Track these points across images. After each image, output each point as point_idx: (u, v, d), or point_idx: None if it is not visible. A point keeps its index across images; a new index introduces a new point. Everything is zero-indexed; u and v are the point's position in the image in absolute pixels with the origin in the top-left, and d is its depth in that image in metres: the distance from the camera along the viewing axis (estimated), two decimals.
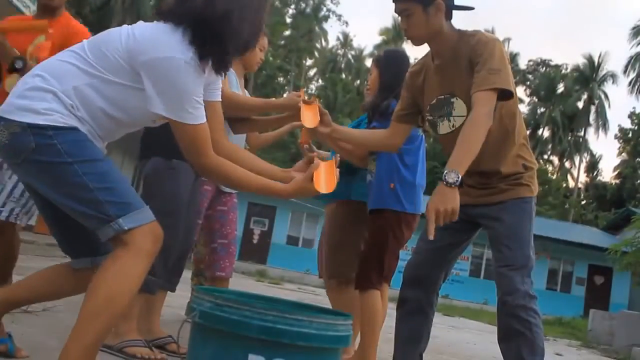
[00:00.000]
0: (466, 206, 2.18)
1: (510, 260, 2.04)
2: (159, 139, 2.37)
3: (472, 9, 2.15)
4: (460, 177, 1.82)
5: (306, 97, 2.34)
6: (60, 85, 1.62)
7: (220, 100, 1.93)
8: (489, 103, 1.95)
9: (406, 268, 2.27)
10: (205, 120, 1.72)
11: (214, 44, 1.66)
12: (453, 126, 2.14)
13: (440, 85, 2.13)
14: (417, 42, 2.12)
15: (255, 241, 19.57)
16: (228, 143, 1.96)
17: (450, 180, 1.81)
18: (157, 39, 1.64)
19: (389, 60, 2.90)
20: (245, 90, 3.00)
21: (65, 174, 1.59)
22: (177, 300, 4.05)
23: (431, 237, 1.80)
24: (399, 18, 2.11)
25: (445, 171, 1.83)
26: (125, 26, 1.73)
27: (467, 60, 2.03)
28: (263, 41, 2.88)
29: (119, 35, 1.67)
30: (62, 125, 1.59)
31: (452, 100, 2.11)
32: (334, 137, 2.29)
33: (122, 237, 1.59)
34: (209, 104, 1.84)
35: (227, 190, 2.83)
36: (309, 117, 2.19)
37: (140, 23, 1.73)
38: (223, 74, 1.79)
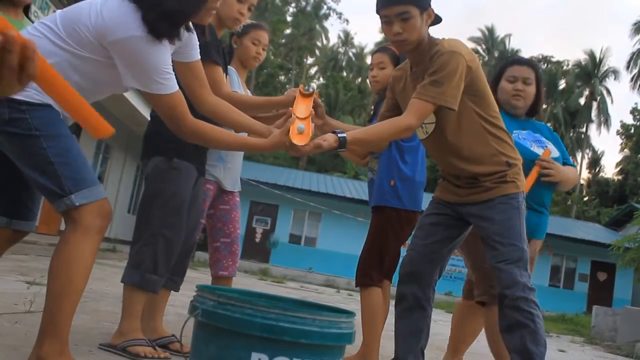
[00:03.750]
0: (455, 204, 2.26)
1: (505, 255, 2.07)
2: (161, 139, 2.37)
3: (441, 21, 2.18)
4: (342, 144, 1.93)
5: (305, 92, 2.33)
6: None
7: (198, 59, 2.03)
8: (419, 115, 2.03)
9: (402, 265, 2.31)
10: (177, 88, 1.83)
11: (158, 17, 1.73)
12: (426, 132, 2.21)
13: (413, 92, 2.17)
14: (407, 47, 2.12)
15: (257, 240, 19.59)
16: (212, 98, 2.10)
17: (341, 140, 1.92)
18: (120, 19, 1.73)
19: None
20: (247, 90, 3.00)
21: (31, 146, 1.72)
22: (180, 299, 4.06)
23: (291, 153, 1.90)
24: (389, 22, 2.07)
25: (342, 133, 1.94)
26: (95, 0, 1.78)
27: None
28: (256, 34, 2.83)
29: (89, 13, 1.75)
30: (36, 102, 1.72)
31: None
32: (325, 129, 2.31)
33: (72, 213, 1.73)
34: (186, 65, 2.01)
35: (229, 189, 2.83)
36: (301, 108, 2.18)
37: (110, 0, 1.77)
38: (182, 38, 1.87)
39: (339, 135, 1.93)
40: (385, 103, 2.40)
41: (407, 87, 2.24)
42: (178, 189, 2.39)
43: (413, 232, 2.35)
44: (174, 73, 1.82)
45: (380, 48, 3.06)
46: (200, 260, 14.15)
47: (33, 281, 3.90)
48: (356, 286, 2.77)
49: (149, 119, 2.56)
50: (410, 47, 2.11)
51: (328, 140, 1.91)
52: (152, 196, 2.41)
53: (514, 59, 2.85)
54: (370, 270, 2.71)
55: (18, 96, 1.69)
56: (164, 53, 1.78)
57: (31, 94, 1.71)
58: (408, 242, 2.49)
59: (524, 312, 2.01)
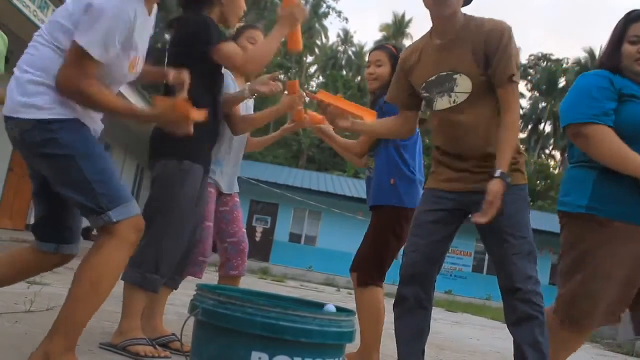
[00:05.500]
0: (460, 193, 2.18)
1: (517, 248, 2.06)
2: (170, 140, 2.37)
3: (471, 2, 2.19)
4: (505, 178, 2.00)
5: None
6: (48, 76, 1.77)
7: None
8: (517, 100, 2.10)
9: (404, 266, 2.23)
10: (101, 55, 1.76)
11: None
12: (454, 102, 2.14)
13: (442, 62, 2.14)
14: (447, 11, 2.09)
15: (258, 239, 19.58)
16: None
17: (504, 178, 2.00)
18: None
19: None
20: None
21: (67, 167, 1.77)
22: (181, 298, 4.06)
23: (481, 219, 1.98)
24: None
25: (500, 171, 2.00)
26: None
27: (480, 44, 2.07)
28: (252, 33, 2.86)
29: (67, 3, 1.83)
30: (64, 117, 1.77)
31: (454, 76, 2.11)
32: (354, 129, 2.31)
33: (110, 228, 1.78)
34: None
35: (226, 191, 2.83)
36: (360, 111, 2.23)
37: None
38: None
39: (498, 176, 1.98)
40: (394, 87, 2.35)
41: (426, 59, 2.19)
42: (188, 192, 2.39)
43: (411, 230, 2.27)
44: (117, 48, 1.79)
45: (378, 46, 3.04)
46: None
47: (33, 281, 3.89)
48: (358, 285, 2.75)
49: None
50: (450, 10, 2.09)
51: (497, 187, 1.97)
52: (161, 199, 2.40)
53: (638, 13, 2.30)
54: (371, 269, 2.70)
55: (46, 116, 1.75)
56: (125, 14, 1.76)
57: (57, 110, 1.77)
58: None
59: (535, 306, 2.03)
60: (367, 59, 3.06)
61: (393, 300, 2.24)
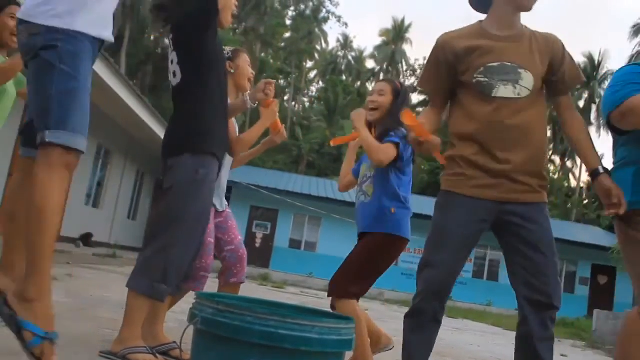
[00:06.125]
0: (494, 202, 2.09)
1: (555, 265, 2.10)
2: (185, 135, 2.38)
3: None
4: (605, 170, 2.13)
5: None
6: None
7: None
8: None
9: (429, 281, 2.11)
10: None
11: None
12: (518, 94, 2.11)
13: (505, 53, 2.14)
14: (532, 4, 2.19)
15: (257, 245, 19.58)
16: None
17: (604, 171, 2.13)
18: None
19: (406, 95, 2.86)
20: (235, 122, 3.01)
21: (42, 73, 1.81)
22: (181, 305, 4.05)
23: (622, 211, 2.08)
24: None
25: (600, 167, 2.13)
26: None
27: (547, 50, 2.18)
28: (247, 57, 2.93)
29: None
30: (72, 29, 1.81)
31: (519, 70, 2.12)
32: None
33: (44, 150, 1.77)
34: None
35: (219, 208, 2.85)
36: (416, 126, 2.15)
37: None
38: None
39: (603, 172, 2.12)
40: (431, 74, 2.28)
41: (484, 43, 2.17)
42: (200, 204, 2.37)
43: (436, 239, 2.15)
44: None
45: (384, 79, 3.09)
46: None
47: None
48: (330, 295, 2.70)
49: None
50: (534, 3, 2.19)
51: (609, 180, 2.10)
52: (174, 209, 2.35)
53: None
54: (354, 286, 2.68)
55: (57, 24, 1.79)
56: None
57: (68, 20, 1.81)
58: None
59: (554, 326, 2.11)
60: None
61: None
